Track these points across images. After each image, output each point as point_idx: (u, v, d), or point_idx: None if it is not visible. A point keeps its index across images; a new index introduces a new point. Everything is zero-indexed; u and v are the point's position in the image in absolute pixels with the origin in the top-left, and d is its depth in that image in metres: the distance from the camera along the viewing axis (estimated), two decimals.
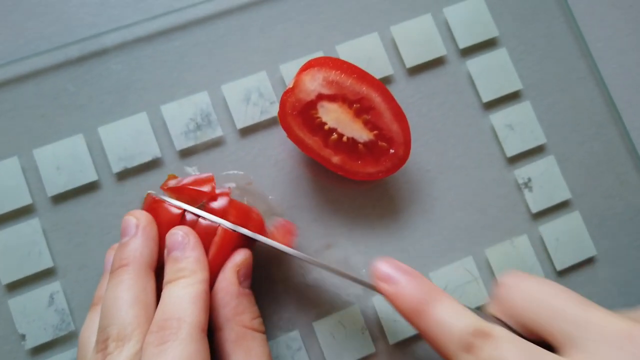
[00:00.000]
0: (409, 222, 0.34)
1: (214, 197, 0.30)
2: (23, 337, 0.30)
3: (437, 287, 0.26)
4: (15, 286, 0.31)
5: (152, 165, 0.33)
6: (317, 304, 0.32)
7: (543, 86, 0.35)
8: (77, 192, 0.32)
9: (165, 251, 0.27)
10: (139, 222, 0.28)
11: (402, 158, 0.31)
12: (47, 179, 0.32)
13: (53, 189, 0.32)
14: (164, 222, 0.29)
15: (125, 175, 0.32)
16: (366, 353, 0.32)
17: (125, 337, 0.24)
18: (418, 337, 0.32)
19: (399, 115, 0.31)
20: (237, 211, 0.30)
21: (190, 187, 0.31)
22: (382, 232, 0.33)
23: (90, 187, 0.32)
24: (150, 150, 0.32)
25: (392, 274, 0.26)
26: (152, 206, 0.30)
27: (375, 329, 0.32)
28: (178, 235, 0.27)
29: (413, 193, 0.34)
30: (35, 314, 0.31)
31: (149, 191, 0.31)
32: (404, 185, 0.34)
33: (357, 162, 0.31)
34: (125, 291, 0.26)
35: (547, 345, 0.24)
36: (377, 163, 0.31)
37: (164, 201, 0.29)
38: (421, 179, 0.34)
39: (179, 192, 0.31)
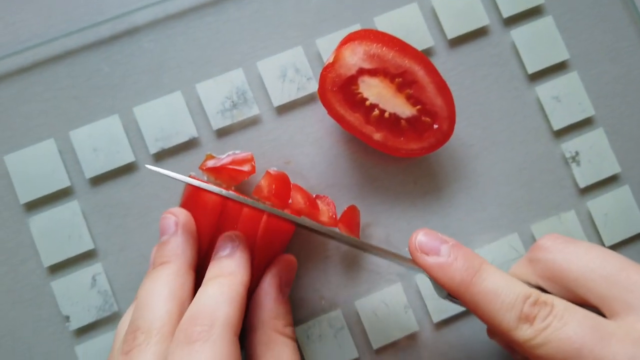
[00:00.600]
0: (452, 198, 0.33)
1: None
2: (67, 318, 0.31)
3: (480, 256, 0.25)
4: (58, 268, 0.31)
5: (189, 145, 0.32)
6: (359, 282, 0.32)
7: (591, 56, 0.34)
8: (115, 174, 0.32)
9: (214, 251, 0.27)
10: (178, 219, 0.27)
11: (447, 133, 0.30)
12: (84, 161, 0.31)
13: (91, 171, 0.31)
14: (207, 206, 0.29)
15: (162, 155, 0.32)
16: (409, 331, 0.31)
17: (155, 330, 0.24)
18: (462, 315, 0.32)
19: (443, 89, 0.30)
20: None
21: (230, 166, 0.30)
22: (424, 210, 0.33)
23: (128, 169, 0.32)
24: (186, 130, 0.32)
25: (432, 244, 0.25)
26: (193, 190, 0.29)
27: (419, 307, 0.32)
28: (228, 236, 0.27)
29: (456, 169, 0.33)
30: (79, 296, 0.31)
31: (191, 173, 0.30)
32: (446, 160, 0.33)
33: (400, 138, 0.30)
34: (162, 286, 0.25)
35: (591, 309, 0.23)
36: (420, 139, 0.30)
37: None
38: (464, 154, 0.33)
39: (218, 173, 0.31)
